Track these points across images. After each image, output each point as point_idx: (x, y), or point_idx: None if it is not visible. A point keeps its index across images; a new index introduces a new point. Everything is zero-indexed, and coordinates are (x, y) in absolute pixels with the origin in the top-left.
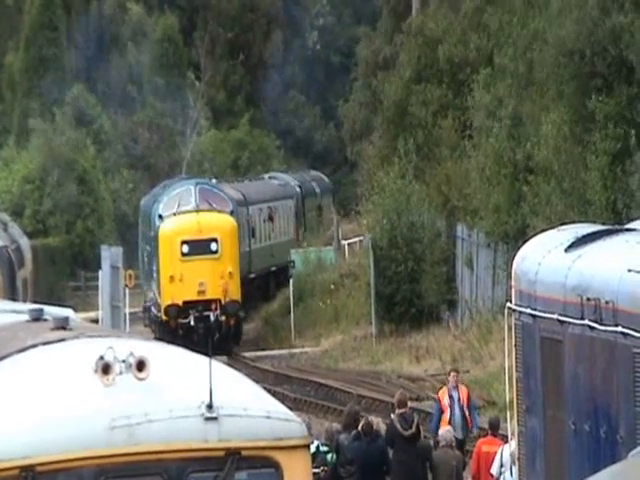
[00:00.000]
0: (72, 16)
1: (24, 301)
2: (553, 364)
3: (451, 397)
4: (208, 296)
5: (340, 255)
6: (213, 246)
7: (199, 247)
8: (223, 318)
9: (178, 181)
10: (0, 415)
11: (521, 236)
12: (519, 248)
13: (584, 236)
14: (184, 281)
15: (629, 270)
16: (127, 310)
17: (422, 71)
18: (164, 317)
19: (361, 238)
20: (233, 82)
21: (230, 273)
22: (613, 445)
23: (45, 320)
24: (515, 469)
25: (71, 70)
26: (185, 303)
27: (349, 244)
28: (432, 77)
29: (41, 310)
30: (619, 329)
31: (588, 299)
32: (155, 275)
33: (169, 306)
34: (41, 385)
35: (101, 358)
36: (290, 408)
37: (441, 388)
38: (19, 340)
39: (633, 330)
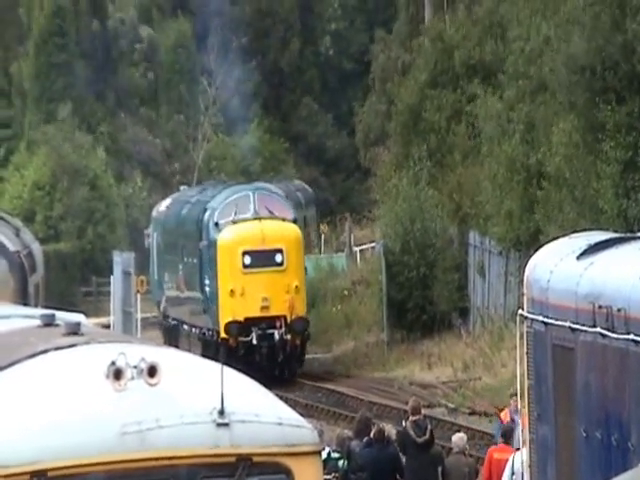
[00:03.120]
0: (82, 23)
1: (36, 306)
2: (565, 372)
3: (513, 420)
4: (272, 312)
5: (352, 261)
6: (278, 257)
7: (262, 258)
8: (288, 337)
9: (228, 186)
10: (11, 420)
11: (533, 243)
12: (531, 256)
13: (596, 244)
14: (246, 296)
15: None
16: (139, 315)
17: (438, 76)
18: (223, 335)
19: (373, 244)
20: (246, 88)
21: (296, 287)
22: (625, 453)
23: (56, 325)
24: (526, 477)
25: (81, 76)
26: (247, 320)
27: (361, 250)
28: (447, 82)
29: (53, 315)
30: (631, 337)
31: (600, 307)
32: (208, 289)
33: (229, 323)
34: (52, 390)
35: (113, 363)
36: (302, 414)
37: (502, 410)
38: (30, 345)
39: None
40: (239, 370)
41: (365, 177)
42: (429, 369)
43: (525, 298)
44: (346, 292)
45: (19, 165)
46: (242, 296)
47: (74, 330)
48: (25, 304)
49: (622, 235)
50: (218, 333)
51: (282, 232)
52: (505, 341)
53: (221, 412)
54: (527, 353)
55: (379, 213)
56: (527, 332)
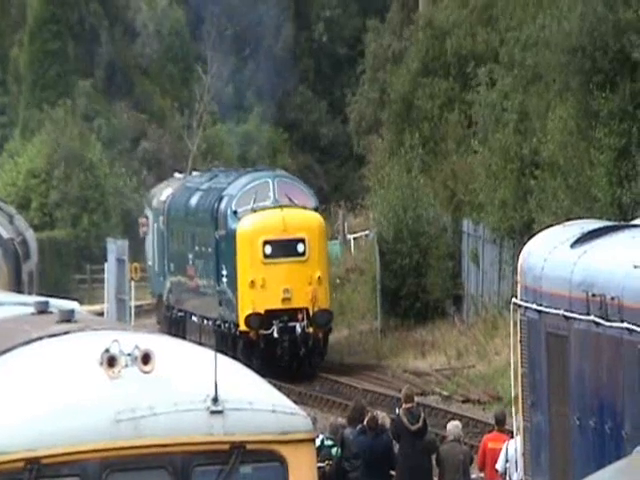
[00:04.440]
0: (77, 9)
1: (30, 294)
2: (558, 360)
3: None
4: (294, 304)
5: (346, 249)
6: (300, 247)
7: (284, 248)
8: (311, 330)
9: (244, 173)
10: (5, 407)
11: (527, 231)
12: (525, 244)
13: (590, 232)
14: (266, 287)
15: (635, 266)
16: (132, 303)
17: (429, 63)
18: (243, 327)
19: (367, 232)
20: (241, 76)
21: (319, 278)
22: (618, 441)
23: (50, 313)
24: (520, 464)
25: (76, 63)
26: (268, 312)
27: (355, 238)
28: (439, 69)
29: (46, 303)
30: (624, 325)
31: (594, 295)
32: (226, 280)
33: (250, 315)
34: (46, 378)
35: (106, 351)
36: (295, 402)
37: None
38: (24, 332)
39: (638, 326)
40: (260, 364)
41: (359, 165)
42: (423, 357)
43: (519, 286)
44: (339, 280)
45: (13, 152)
46: (263, 287)
47: (68, 317)
48: (19, 291)
49: (616, 223)
50: (236, 326)
51: (304, 221)
52: (499, 329)
53: (215, 400)
54: (521, 341)
55: (372, 201)
56: (521, 320)
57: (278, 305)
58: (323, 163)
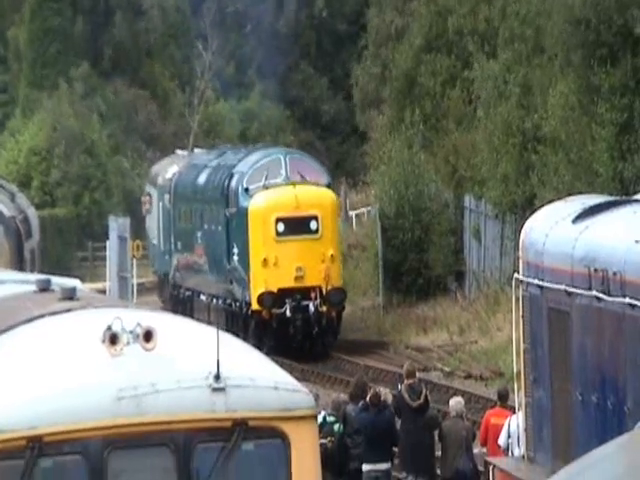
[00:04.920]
0: None
1: (31, 272)
2: (560, 335)
3: None
4: (307, 283)
5: (348, 226)
6: (313, 225)
7: (296, 226)
8: (324, 309)
9: (255, 150)
10: (7, 386)
11: (529, 207)
12: (527, 219)
13: (592, 207)
14: (279, 265)
15: (637, 241)
16: (134, 281)
17: (432, 41)
18: (256, 306)
19: (369, 209)
20: (242, 53)
21: (332, 256)
22: (620, 416)
23: (52, 291)
24: (522, 440)
25: (76, 40)
26: (280, 291)
27: (357, 215)
28: (442, 47)
29: (48, 281)
30: (627, 300)
31: (595, 270)
32: (237, 258)
33: (263, 294)
34: (48, 355)
35: (109, 328)
36: (298, 379)
37: None
38: (26, 310)
39: None
40: (272, 343)
41: (361, 141)
42: (425, 333)
43: (521, 262)
44: (342, 257)
45: (14, 130)
46: (275, 266)
47: (70, 295)
48: (21, 269)
49: (617, 198)
50: (248, 305)
51: (317, 198)
52: (501, 305)
53: (217, 377)
54: (523, 317)
55: (374, 177)
56: (523, 296)
57: (291, 284)
58: (324, 140)
